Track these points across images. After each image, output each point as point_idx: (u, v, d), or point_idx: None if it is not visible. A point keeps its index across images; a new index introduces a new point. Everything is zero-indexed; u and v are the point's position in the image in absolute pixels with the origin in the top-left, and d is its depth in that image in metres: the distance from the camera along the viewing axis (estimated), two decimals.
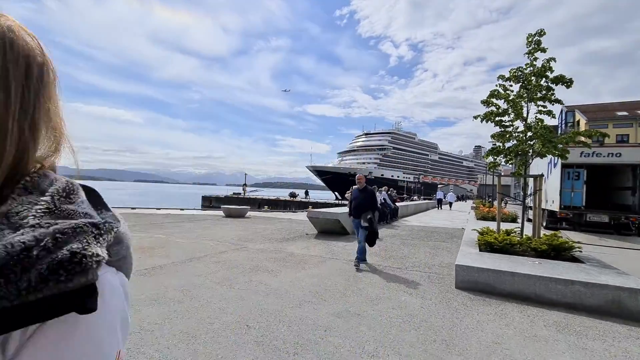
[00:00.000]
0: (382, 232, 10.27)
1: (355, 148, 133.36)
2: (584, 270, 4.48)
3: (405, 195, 48.80)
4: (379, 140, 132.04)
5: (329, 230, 9.74)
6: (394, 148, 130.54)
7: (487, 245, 6.02)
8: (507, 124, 6.75)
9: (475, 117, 7.08)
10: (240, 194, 49.05)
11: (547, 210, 14.75)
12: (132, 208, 17.03)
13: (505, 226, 10.37)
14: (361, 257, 5.85)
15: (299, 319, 3.28)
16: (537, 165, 16.96)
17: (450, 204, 29.12)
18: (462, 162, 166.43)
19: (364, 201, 5.99)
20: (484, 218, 13.13)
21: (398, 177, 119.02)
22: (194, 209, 18.27)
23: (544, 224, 15.24)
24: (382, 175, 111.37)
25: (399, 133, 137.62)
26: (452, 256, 6.77)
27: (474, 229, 7.83)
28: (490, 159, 7.06)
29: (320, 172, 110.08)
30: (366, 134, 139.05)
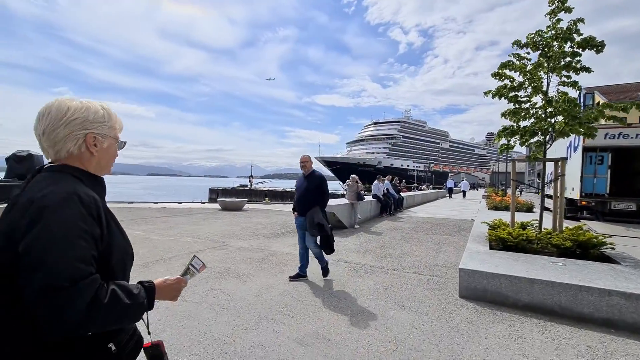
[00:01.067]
0: (383, 225, 9.43)
1: (364, 138, 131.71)
2: (621, 274, 3.58)
3: (414, 185, 47.61)
4: (388, 129, 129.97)
5: None
6: (403, 137, 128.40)
7: (499, 242, 5.14)
8: (523, 99, 5.78)
9: (486, 94, 6.10)
10: (247, 185, 48.73)
11: (566, 198, 13.62)
12: (130, 202, 16.59)
13: (520, 217, 9.38)
14: (323, 265, 4.45)
15: (247, 349, 2.52)
16: (554, 150, 15.73)
17: (464, 192, 28.18)
18: (473, 150, 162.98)
19: (308, 193, 4.35)
20: (495, 208, 12.13)
21: (408, 166, 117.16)
22: (193, 202, 17.73)
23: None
24: (391, 164, 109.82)
25: (408, 121, 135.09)
26: (458, 254, 5.91)
27: (484, 222, 6.93)
28: (502, 141, 6.10)
29: (328, 163, 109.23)
30: (375, 123, 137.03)
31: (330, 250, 4.23)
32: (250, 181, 48.88)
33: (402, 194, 15.01)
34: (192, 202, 17.39)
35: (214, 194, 46.88)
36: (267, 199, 23.31)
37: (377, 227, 9.04)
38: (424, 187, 45.27)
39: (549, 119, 5.31)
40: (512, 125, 5.79)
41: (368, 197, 12.95)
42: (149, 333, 1.03)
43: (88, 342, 0.85)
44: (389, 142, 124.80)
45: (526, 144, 5.74)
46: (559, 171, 5.58)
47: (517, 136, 5.69)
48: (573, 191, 12.71)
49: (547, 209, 16.22)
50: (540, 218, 5.79)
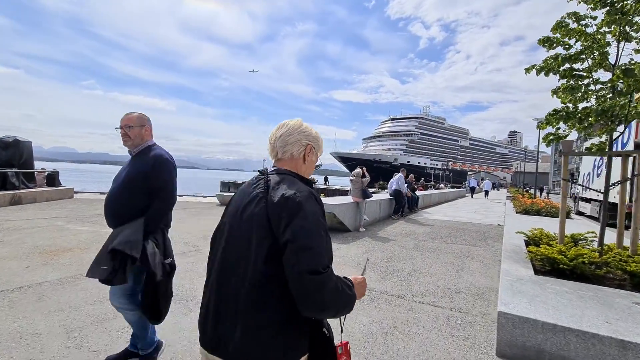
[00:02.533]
0: (393, 228, 8.11)
1: (381, 134, 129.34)
2: None
3: (431, 183, 45.56)
4: (406, 125, 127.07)
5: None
6: (421, 134, 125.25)
7: (547, 263, 3.79)
8: (582, 73, 4.34)
9: (529, 70, 4.69)
10: None
11: (603, 202, 11.88)
12: None
13: (553, 224, 7.85)
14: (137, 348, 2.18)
15: None
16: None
17: (487, 192, 26.55)
18: (495, 149, 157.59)
19: (124, 191, 2.02)
20: (525, 212, 10.56)
21: (425, 163, 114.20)
22: (194, 196, 16.86)
23: (598, 217, 12.39)
24: (408, 161, 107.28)
25: (427, 118, 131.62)
26: (487, 273, 4.57)
27: (520, 232, 5.53)
28: (548, 129, 4.67)
29: (344, 159, 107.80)
30: (392, 119, 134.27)
31: (158, 316, 1.98)
32: None
33: (417, 192, 13.58)
34: (193, 196, 16.53)
35: (226, 187, 46.35)
36: None
37: (386, 231, 7.74)
38: (441, 185, 43.22)
39: (626, 96, 3.86)
40: (567, 107, 4.36)
41: (380, 195, 11.66)
42: (342, 332, 1.14)
43: (311, 325, 1.02)
44: (407, 138, 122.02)
45: (585, 131, 4.30)
46: (637, 169, 4.13)
47: (573, 121, 4.26)
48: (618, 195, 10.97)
49: (581, 213, 14.35)
50: (601, 231, 4.36)
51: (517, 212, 10.92)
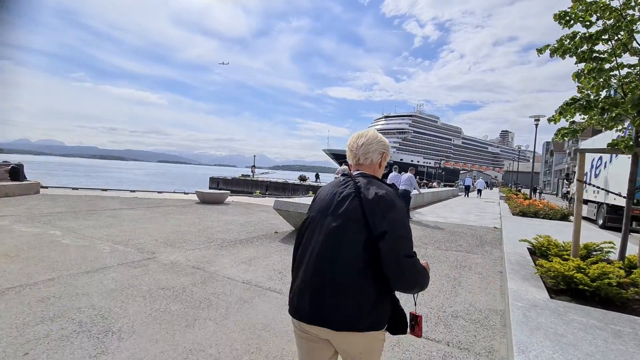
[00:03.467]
0: None
1: None
2: None
3: (424, 181, 45.16)
4: (399, 123, 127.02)
5: None
6: (414, 132, 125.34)
7: (563, 282, 3.12)
8: (603, 55, 3.68)
9: (541, 51, 4.03)
10: (249, 175, 47.02)
11: (606, 204, 11.37)
12: (103, 190, 14.93)
13: (555, 229, 7.22)
14: None
15: None
16: (594, 145, 13.35)
17: (480, 191, 26.14)
18: (487, 148, 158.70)
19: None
20: (522, 213, 10.00)
21: (418, 162, 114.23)
22: (175, 192, 15.98)
23: (600, 223, 11.88)
24: (401, 159, 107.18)
25: (420, 116, 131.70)
26: (488, 289, 3.90)
27: (524, 240, 4.88)
28: (562, 123, 4.00)
29: (337, 156, 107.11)
30: (386, 117, 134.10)
31: None
32: (252, 171, 47.08)
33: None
34: (174, 192, 15.64)
35: (215, 183, 45.34)
36: (258, 191, 21.34)
37: None
38: (434, 184, 42.79)
39: None
40: (587, 95, 3.69)
41: None
42: (415, 305, 1.39)
43: (393, 300, 1.25)
44: (400, 136, 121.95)
45: (608, 124, 3.63)
46: None
47: (594, 112, 3.59)
48: (619, 197, 10.46)
49: (589, 219, 13.73)
50: (622, 242, 3.71)
51: (513, 214, 10.35)
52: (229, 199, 13.97)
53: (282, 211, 6.57)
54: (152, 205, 10.17)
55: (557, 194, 49.53)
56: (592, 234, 7.16)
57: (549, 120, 4.19)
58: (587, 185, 13.70)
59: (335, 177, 6.22)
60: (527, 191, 38.70)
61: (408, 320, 1.29)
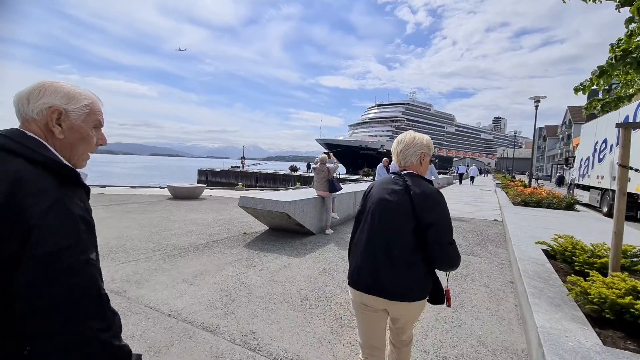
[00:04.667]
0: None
1: (367, 120, 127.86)
2: None
3: None
4: (392, 111, 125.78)
5: (282, 227, 6.00)
6: (407, 120, 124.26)
7: (612, 311, 2.17)
8: None
9: None
10: (239, 167, 45.71)
11: (612, 191, 10.56)
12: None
13: (565, 222, 6.28)
14: None
15: None
16: (597, 127, 12.47)
17: (472, 178, 25.49)
18: (479, 135, 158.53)
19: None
20: (524, 203, 9.11)
21: None
22: (149, 187, 14.81)
23: (605, 210, 11.09)
24: None
25: (413, 104, 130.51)
26: (499, 311, 2.93)
27: (541, 242, 3.93)
28: (597, 88, 3.00)
29: (330, 146, 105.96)
30: (379, 105, 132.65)
31: None
32: (242, 163, 45.74)
33: None
34: (148, 187, 14.46)
35: (203, 175, 44.02)
36: (241, 184, 20.14)
37: None
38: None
39: None
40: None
41: (360, 185, 10.02)
42: (447, 280, 1.67)
43: (434, 277, 1.51)
44: (393, 125, 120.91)
45: None
46: None
47: None
48: (631, 182, 9.61)
49: (591, 207, 12.83)
50: None
51: (514, 204, 9.46)
52: (207, 192, 12.90)
53: (249, 209, 5.54)
54: (115, 202, 9.07)
55: (550, 180, 49.14)
56: (602, 227, 6.29)
57: (577, 89, 3.19)
58: (590, 171, 12.89)
59: (314, 166, 5.11)
60: (520, 177, 38.10)
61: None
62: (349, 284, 1.56)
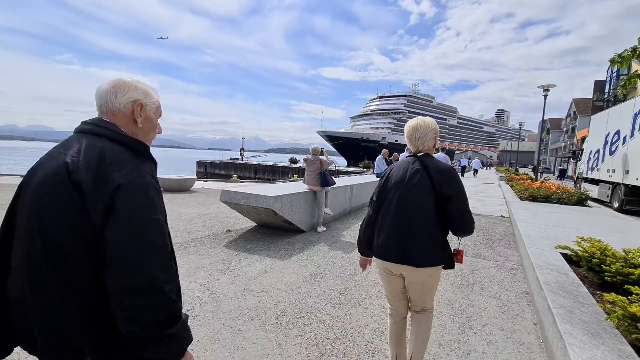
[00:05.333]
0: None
1: (369, 112, 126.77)
2: None
3: None
4: (394, 103, 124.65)
5: (270, 224, 5.48)
6: (409, 112, 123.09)
7: None
8: None
9: None
10: (238, 159, 45.15)
11: (624, 185, 9.97)
12: None
13: (579, 218, 5.74)
14: None
15: None
16: (608, 118, 11.81)
17: (475, 171, 25.01)
18: (482, 127, 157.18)
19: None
20: (532, 197, 8.56)
21: None
22: None
23: (616, 206, 10.53)
24: (396, 140, 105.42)
25: (415, 96, 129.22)
26: (515, 334, 2.38)
27: (562, 247, 3.40)
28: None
29: (331, 138, 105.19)
30: (380, 97, 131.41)
31: None
32: (241, 154, 45.14)
33: None
34: None
35: (202, 167, 43.52)
36: (235, 175, 19.56)
37: (355, 233, 5.57)
38: None
39: None
40: None
41: (358, 178, 9.48)
42: (459, 244, 1.90)
43: (449, 247, 1.72)
44: (394, 117, 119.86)
45: None
46: None
47: None
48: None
49: (600, 201, 12.09)
50: None
51: (521, 199, 8.90)
52: (200, 185, 12.39)
53: (231, 204, 5.00)
54: None
55: (553, 173, 48.45)
56: (620, 224, 5.74)
57: (614, 61, 2.61)
58: (600, 164, 12.27)
59: (305, 157, 4.76)
60: (524, 170, 37.29)
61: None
62: (375, 255, 1.78)
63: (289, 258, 4.05)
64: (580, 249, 3.18)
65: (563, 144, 57.81)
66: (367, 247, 1.85)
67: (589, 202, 8.84)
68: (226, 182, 15.42)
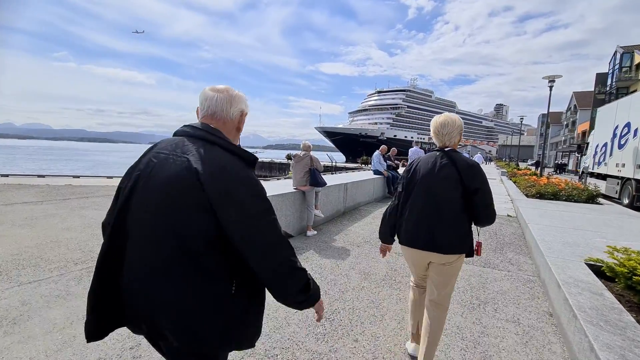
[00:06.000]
0: (361, 228, 5.34)
1: (367, 107, 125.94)
2: None
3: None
4: (393, 98, 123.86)
5: None
6: (408, 107, 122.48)
7: None
8: None
9: None
10: None
11: (635, 180, 9.45)
12: (41, 176, 12.61)
13: (593, 217, 5.19)
14: None
15: None
16: (617, 110, 11.25)
17: None
18: (481, 122, 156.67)
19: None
20: (539, 195, 8.03)
21: (412, 137, 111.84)
22: (97, 177, 13.64)
23: (626, 202, 10.03)
24: (395, 136, 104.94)
25: (414, 91, 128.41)
26: None
27: (593, 260, 2.87)
28: None
29: (329, 133, 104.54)
30: (379, 92, 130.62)
31: None
32: None
33: (400, 170, 10.89)
34: (95, 177, 13.23)
35: None
36: None
37: (348, 235, 5.03)
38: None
39: None
40: None
41: (353, 175, 8.94)
42: (478, 235, 1.99)
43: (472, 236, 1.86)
44: (393, 112, 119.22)
45: None
46: None
47: None
48: None
49: (608, 197, 11.46)
50: None
51: (528, 196, 8.37)
52: None
53: None
54: (77, 195, 8.00)
55: (552, 167, 48.02)
56: (638, 226, 5.20)
57: None
58: (608, 158, 11.75)
59: (295, 153, 4.33)
60: (524, 165, 36.75)
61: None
62: (402, 242, 1.91)
63: None
64: (615, 261, 2.65)
65: (563, 137, 57.29)
66: (390, 234, 1.99)
67: (604, 202, 8.30)
68: None
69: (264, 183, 6.82)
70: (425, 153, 9.89)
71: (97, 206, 6.72)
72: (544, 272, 3.29)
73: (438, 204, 1.76)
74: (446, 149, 1.87)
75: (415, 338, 2.08)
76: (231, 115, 1.07)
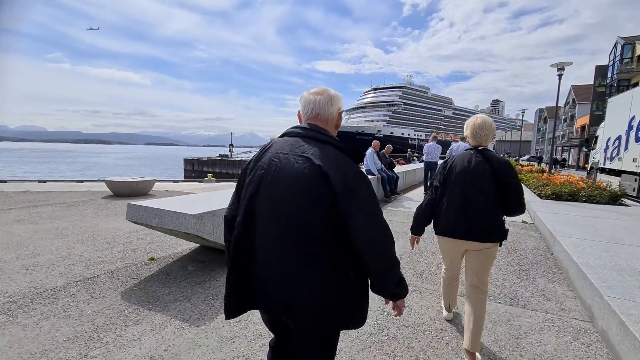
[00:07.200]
0: None
1: (363, 105, 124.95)
2: None
3: (414, 154, 42.04)
4: (389, 95, 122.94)
5: (215, 246, 3.90)
6: (404, 104, 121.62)
7: None
8: None
9: None
10: (227, 155, 43.37)
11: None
12: (2, 181, 11.50)
13: (628, 224, 4.16)
14: None
15: None
16: (633, 100, 10.27)
17: None
18: None
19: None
20: (555, 196, 7.05)
21: (409, 134, 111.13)
22: (99, 180, 12.56)
23: (636, 195, 9.07)
24: (391, 133, 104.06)
25: (410, 88, 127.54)
26: None
27: None
28: None
29: None
30: (375, 89, 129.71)
31: None
32: (230, 150, 43.30)
33: (397, 168, 9.87)
34: (98, 181, 12.18)
35: (189, 164, 41.68)
36: (210, 175, 17.69)
37: None
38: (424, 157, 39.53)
39: None
40: None
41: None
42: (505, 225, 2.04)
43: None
44: (390, 109, 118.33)
45: None
46: None
47: None
48: None
49: (630, 197, 10.22)
50: None
51: (541, 197, 7.37)
52: (164, 186, 10.74)
53: (143, 225, 3.39)
54: (33, 203, 6.93)
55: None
56: None
57: None
58: (623, 152, 10.80)
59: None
60: (523, 161, 35.70)
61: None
62: (440, 232, 2.11)
63: (216, 317, 2.48)
64: None
65: (562, 132, 56.49)
66: (423, 226, 2.21)
67: (629, 202, 7.31)
68: (200, 182, 13.69)
69: (227, 191, 5.80)
70: (441, 148, 9.18)
71: (38, 219, 5.62)
72: (603, 317, 2.27)
73: (475, 197, 1.95)
74: (480, 148, 2.06)
75: (449, 309, 2.45)
76: (332, 115, 1.21)
